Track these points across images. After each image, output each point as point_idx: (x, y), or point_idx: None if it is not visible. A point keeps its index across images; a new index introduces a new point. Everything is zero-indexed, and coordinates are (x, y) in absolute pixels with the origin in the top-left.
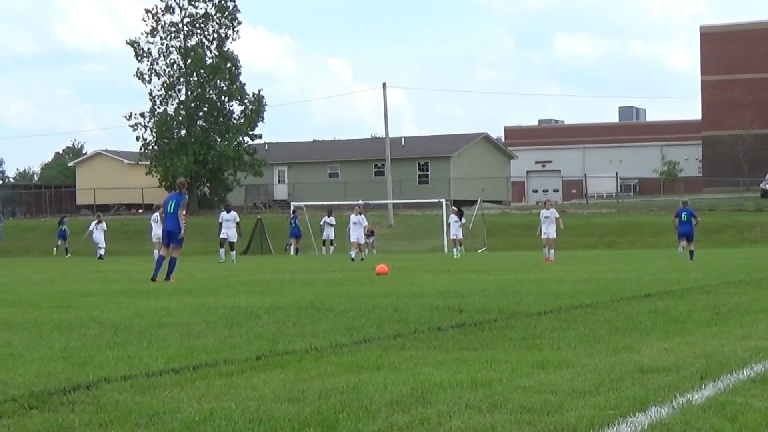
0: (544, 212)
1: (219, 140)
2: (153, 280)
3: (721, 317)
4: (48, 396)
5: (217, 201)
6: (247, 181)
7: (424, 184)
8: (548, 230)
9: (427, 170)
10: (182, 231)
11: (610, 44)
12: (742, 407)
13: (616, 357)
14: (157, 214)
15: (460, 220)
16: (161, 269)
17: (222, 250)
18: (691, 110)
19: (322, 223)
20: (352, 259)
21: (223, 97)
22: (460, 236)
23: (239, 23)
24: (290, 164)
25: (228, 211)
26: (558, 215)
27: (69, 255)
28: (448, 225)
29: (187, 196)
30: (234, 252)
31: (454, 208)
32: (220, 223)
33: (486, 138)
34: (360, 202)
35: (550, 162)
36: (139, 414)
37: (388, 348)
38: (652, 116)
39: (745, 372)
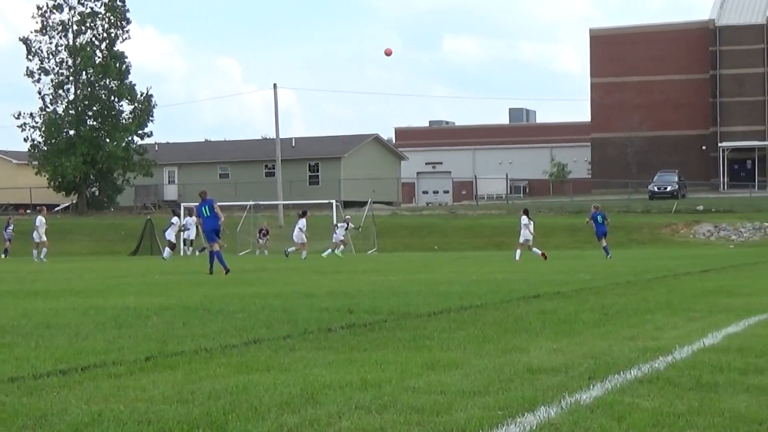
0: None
1: (108, 140)
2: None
3: (609, 318)
4: None
5: (106, 201)
6: (136, 182)
7: (314, 184)
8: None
9: (318, 171)
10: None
11: (499, 46)
12: (629, 407)
13: (506, 357)
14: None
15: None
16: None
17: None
18: (581, 112)
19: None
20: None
21: (112, 97)
22: (341, 238)
23: (128, 22)
24: (180, 165)
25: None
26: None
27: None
28: (335, 227)
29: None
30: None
31: (348, 217)
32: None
33: (376, 139)
34: (251, 202)
35: (441, 163)
36: (26, 416)
37: (277, 349)
38: (541, 118)
39: (632, 372)
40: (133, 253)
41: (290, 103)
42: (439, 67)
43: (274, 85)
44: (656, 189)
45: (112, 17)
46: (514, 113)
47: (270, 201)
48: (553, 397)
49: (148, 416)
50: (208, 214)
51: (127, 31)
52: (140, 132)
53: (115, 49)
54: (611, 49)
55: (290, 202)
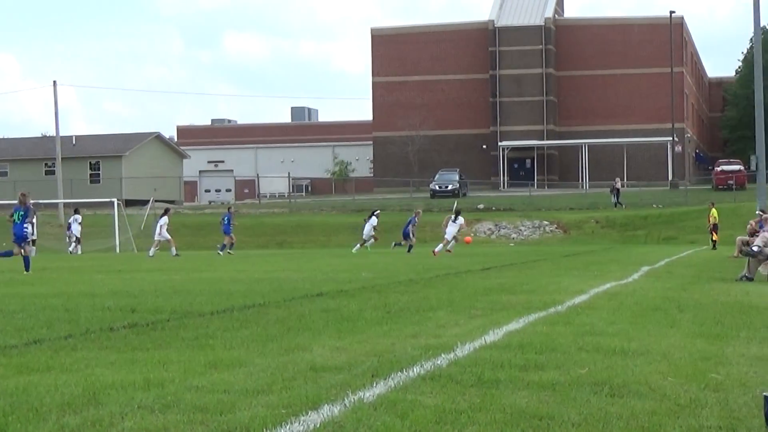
0: None
1: None
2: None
3: (392, 316)
4: None
5: None
6: None
7: (95, 183)
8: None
9: (99, 169)
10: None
11: (281, 44)
12: (412, 404)
13: (289, 356)
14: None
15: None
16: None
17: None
18: (363, 111)
19: (71, 220)
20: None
21: None
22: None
23: None
24: None
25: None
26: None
27: None
28: (161, 226)
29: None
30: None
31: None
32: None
33: (158, 137)
34: (30, 201)
35: (223, 162)
36: None
37: (59, 349)
38: (324, 117)
39: (415, 369)
40: None
41: (70, 101)
42: (221, 66)
43: (54, 82)
44: (438, 187)
45: None
46: (296, 112)
47: (50, 200)
48: (336, 395)
49: None
50: (19, 221)
51: None
52: None
53: None
54: (393, 49)
55: (71, 201)
